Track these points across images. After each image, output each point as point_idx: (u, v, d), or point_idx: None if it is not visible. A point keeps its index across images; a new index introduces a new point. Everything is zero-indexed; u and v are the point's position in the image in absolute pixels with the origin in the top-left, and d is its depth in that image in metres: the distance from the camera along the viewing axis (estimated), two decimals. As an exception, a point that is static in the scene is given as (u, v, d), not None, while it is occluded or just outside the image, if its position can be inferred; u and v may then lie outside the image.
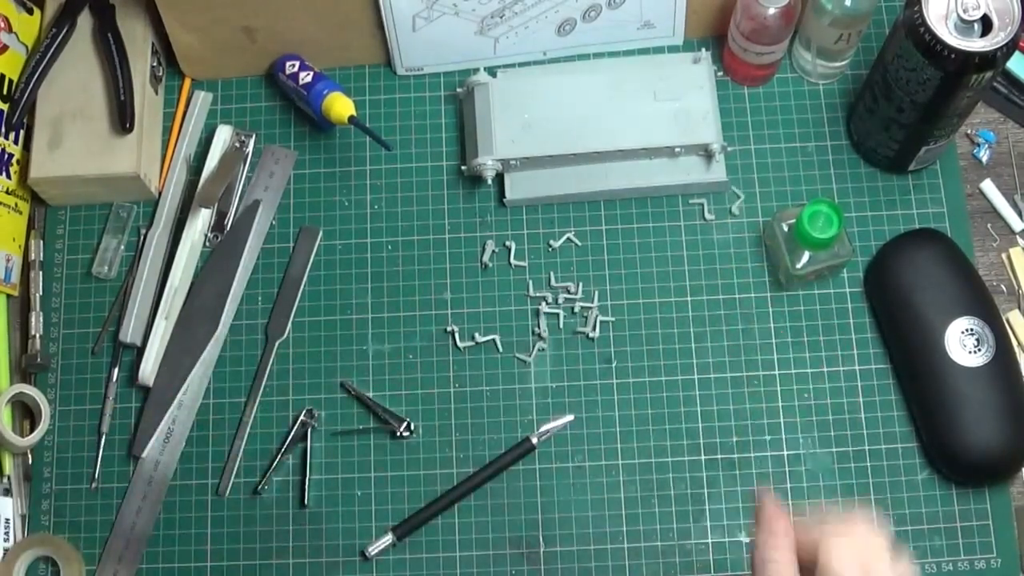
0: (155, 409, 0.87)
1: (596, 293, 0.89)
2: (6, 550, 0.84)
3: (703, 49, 0.92)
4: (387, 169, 0.93)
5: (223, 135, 0.93)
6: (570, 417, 0.86)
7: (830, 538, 0.57)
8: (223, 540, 0.85)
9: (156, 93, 0.94)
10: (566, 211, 0.91)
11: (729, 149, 0.90)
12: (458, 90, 0.94)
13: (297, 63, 0.92)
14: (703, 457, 0.85)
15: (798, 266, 0.85)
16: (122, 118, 0.89)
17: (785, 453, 0.85)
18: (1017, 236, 0.90)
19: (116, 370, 0.89)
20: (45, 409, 0.87)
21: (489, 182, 0.90)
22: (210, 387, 0.88)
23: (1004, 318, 0.86)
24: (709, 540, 0.83)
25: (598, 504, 0.85)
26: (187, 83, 0.96)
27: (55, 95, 0.91)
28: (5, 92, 0.90)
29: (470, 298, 0.90)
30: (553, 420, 0.86)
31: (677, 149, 0.88)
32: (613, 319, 0.88)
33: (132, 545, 0.85)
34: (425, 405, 0.87)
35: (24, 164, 0.91)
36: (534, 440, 0.85)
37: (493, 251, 0.90)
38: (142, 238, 0.92)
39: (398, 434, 0.85)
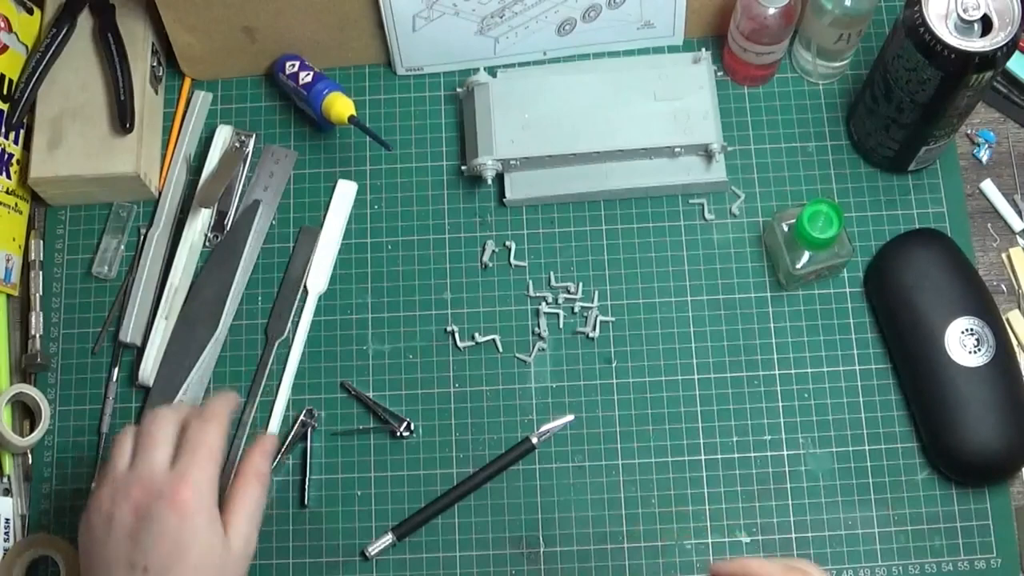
0: (155, 409, 0.87)
1: (596, 293, 0.89)
2: (6, 550, 0.84)
3: (703, 49, 0.92)
4: (387, 169, 0.93)
5: (223, 135, 0.93)
6: (570, 417, 0.86)
7: (791, 573, 0.63)
8: (223, 540, 0.85)
9: (156, 93, 0.94)
10: (566, 211, 0.91)
11: (729, 149, 0.90)
12: (458, 90, 0.94)
13: (297, 63, 0.92)
14: (703, 457, 0.85)
15: (798, 266, 0.85)
16: (122, 118, 0.89)
17: (785, 453, 0.85)
18: (1017, 236, 0.90)
19: (116, 370, 0.89)
20: (45, 409, 0.87)
21: (489, 182, 0.90)
22: (210, 387, 0.88)
23: (1004, 318, 0.86)
24: (709, 540, 0.83)
25: (598, 504, 0.85)
26: (187, 83, 0.96)
27: (55, 95, 0.91)
28: (5, 92, 0.90)
29: (470, 298, 0.90)
30: (553, 420, 0.86)
31: (677, 149, 0.88)
32: (613, 319, 0.88)
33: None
34: (425, 405, 0.87)
35: (24, 164, 0.91)
36: (534, 440, 0.85)
37: (493, 251, 0.90)
38: (142, 238, 0.92)
39: (398, 434, 0.85)
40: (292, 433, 0.86)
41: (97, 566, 0.66)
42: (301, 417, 0.86)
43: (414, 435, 0.86)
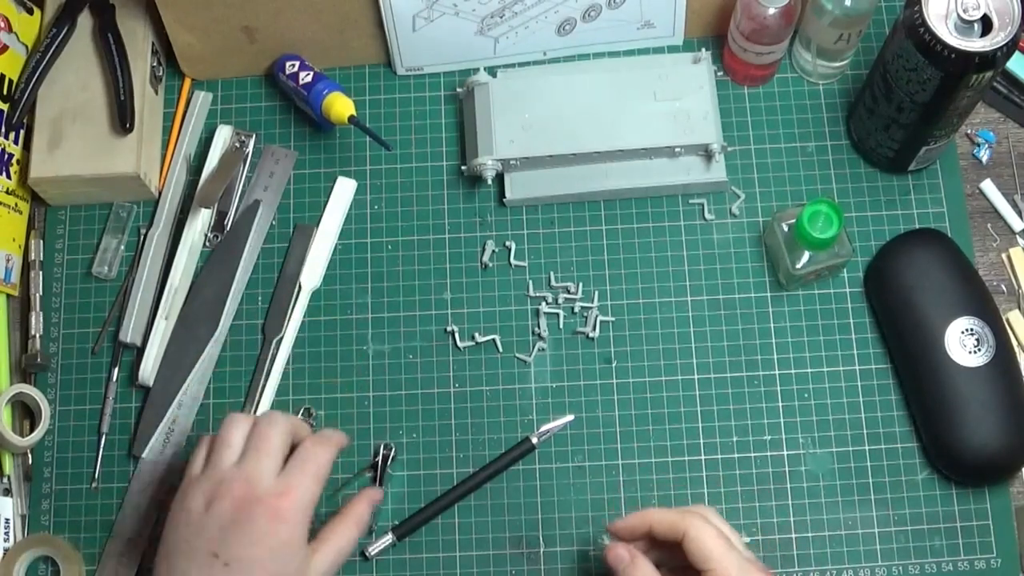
0: (155, 409, 0.87)
1: (596, 293, 0.89)
2: (6, 550, 0.84)
3: (703, 49, 0.92)
4: (387, 169, 0.93)
5: (223, 135, 0.93)
6: (570, 417, 0.86)
7: (688, 515, 0.71)
8: (223, 540, 0.85)
9: (156, 93, 0.94)
10: (566, 211, 0.91)
11: (729, 149, 0.90)
12: (458, 90, 0.94)
13: (297, 63, 0.92)
14: (703, 457, 0.85)
15: (798, 266, 0.85)
16: (122, 118, 0.89)
17: (785, 453, 0.85)
18: (1017, 236, 0.90)
19: (116, 370, 0.89)
20: (45, 409, 0.87)
21: (489, 182, 0.90)
22: (210, 387, 0.88)
23: (1004, 318, 0.86)
24: (709, 540, 0.83)
25: (598, 504, 0.85)
26: (187, 83, 0.96)
27: (55, 95, 0.91)
28: (5, 92, 0.90)
29: (470, 298, 0.90)
30: (553, 420, 0.86)
31: (677, 149, 0.88)
32: (613, 319, 0.88)
33: (132, 545, 0.85)
34: (425, 405, 0.87)
35: (24, 164, 0.91)
36: (534, 440, 0.85)
37: (493, 251, 0.90)
38: (142, 238, 0.92)
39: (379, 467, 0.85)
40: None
41: (179, 549, 0.70)
42: (300, 417, 0.86)
43: (416, 437, 0.86)
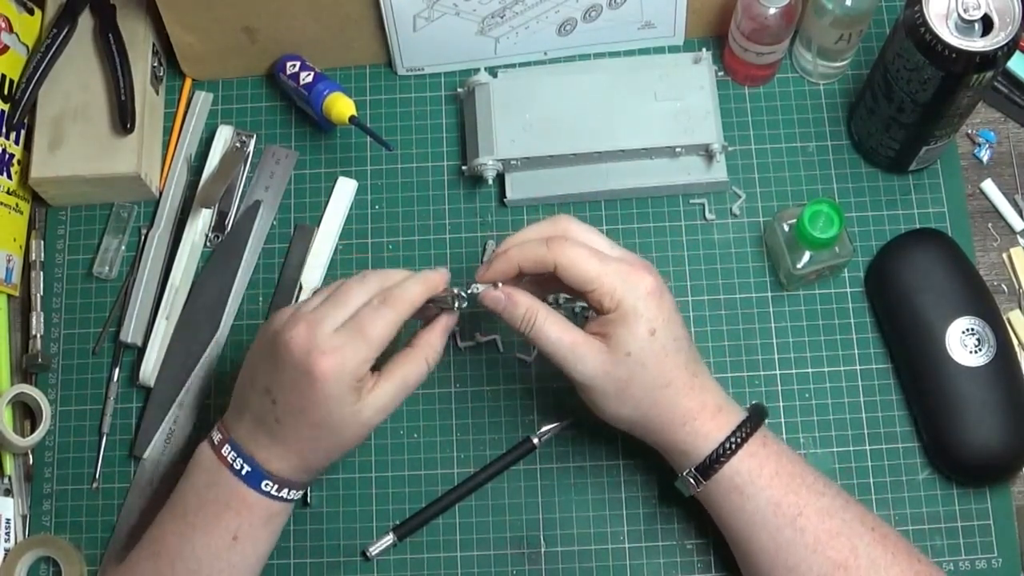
0: (156, 409, 0.87)
1: (597, 293, 0.89)
2: (7, 551, 0.84)
3: (704, 49, 0.92)
4: (388, 169, 0.93)
5: (224, 135, 0.94)
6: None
7: (553, 244, 0.71)
8: (224, 540, 0.85)
9: (157, 93, 0.94)
10: (567, 211, 0.91)
11: (730, 149, 0.90)
12: (459, 90, 0.94)
13: (298, 63, 0.92)
14: (704, 457, 0.85)
15: (799, 266, 0.85)
16: (123, 118, 0.89)
17: (786, 453, 0.85)
18: (1018, 236, 0.90)
19: (117, 370, 0.89)
20: (46, 409, 0.87)
21: (490, 182, 0.90)
22: (211, 387, 0.89)
23: (1005, 318, 0.86)
24: (709, 540, 0.83)
25: (598, 504, 0.85)
26: (188, 83, 0.96)
27: (56, 95, 0.91)
28: (6, 92, 0.90)
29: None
30: (554, 420, 0.86)
31: (678, 149, 0.88)
32: (614, 319, 0.88)
33: (133, 546, 0.85)
34: (425, 405, 0.87)
35: (25, 164, 0.91)
36: (535, 440, 0.85)
37: (494, 251, 0.90)
38: (143, 238, 0.92)
39: None
40: None
41: (245, 375, 0.74)
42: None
43: (416, 437, 0.86)
